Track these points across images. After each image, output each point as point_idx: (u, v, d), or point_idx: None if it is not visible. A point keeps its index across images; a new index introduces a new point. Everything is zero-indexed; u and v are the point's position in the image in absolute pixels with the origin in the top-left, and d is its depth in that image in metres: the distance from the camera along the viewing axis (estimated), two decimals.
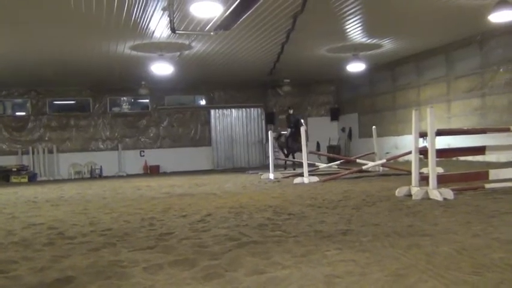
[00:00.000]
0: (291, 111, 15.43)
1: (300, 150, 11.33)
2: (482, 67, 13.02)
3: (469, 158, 12.00)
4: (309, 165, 11.12)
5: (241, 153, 21.02)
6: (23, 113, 18.99)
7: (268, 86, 20.30)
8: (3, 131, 18.38)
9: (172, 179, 13.87)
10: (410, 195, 6.47)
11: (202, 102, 21.08)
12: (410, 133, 6.72)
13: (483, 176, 7.02)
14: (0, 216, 6.72)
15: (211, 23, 10.00)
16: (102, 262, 3.54)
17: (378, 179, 10.25)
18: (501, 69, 12.39)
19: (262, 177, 12.38)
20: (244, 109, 21.07)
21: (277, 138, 15.85)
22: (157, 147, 20.05)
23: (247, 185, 10.29)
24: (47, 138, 18.82)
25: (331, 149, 19.82)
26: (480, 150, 7.56)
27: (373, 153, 12.83)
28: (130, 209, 6.88)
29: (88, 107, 19.45)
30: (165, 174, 18.43)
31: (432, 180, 6.27)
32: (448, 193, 6.14)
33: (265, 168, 14.68)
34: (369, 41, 13.08)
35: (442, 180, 6.52)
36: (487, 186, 6.73)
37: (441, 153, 7.04)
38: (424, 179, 6.53)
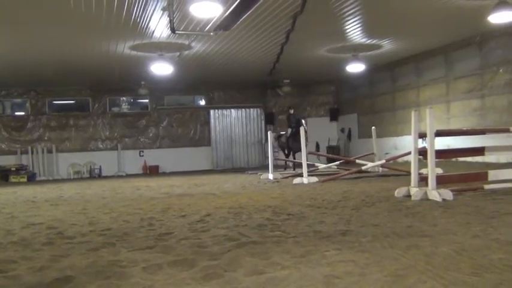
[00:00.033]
0: (292, 111, 15.42)
1: (301, 150, 11.33)
2: (481, 68, 13.02)
3: (469, 158, 12.01)
4: (309, 165, 11.12)
5: (240, 154, 21.01)
6: (23, 113, 18.97)
7: (268, 86, 20.30)
8: (2, 131, 18.37)
9: (172, 179, 13.86)
10: (409, 196, 6.48)
11: (202, 102, 21.08)
12: (410, 134, 6.72)
13: (482, 176, 7.03)
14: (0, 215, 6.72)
15: (211, 23, 10.00)
16: (102, 262, 3.54)
17: (377, 179, 10.25)
18: (501, 70, 12.40)
19: (261, 177, 12.39)
20: (243, 109, 21.07)
21: (277, 138, 15.86)
22: (157, 147, 20.04)
23: (247, 185, 10.29)
24: (46, 138, 18.80)
25: (331, 149, 19.83)
26: (479, 151, 7.57)
27: (373, 153, 12.85)
28: (129, 209, 6.88)
29: (87, 107, 19.43)
30: (164, 174, 18.43)
31: (431, 181, 6.27)
32: (448, 194, 6.14)
33: (265, 168, 14.68)
34: (369, 41, 13.08)
35: (441, 181, 6.52)
36: (487, 187, 6.74)
37: (440, 154, 7.05)
38: (423, 180, 6.54)
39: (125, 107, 20.12)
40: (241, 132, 21.04)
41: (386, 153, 15.09)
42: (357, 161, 12.76)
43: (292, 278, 2.91)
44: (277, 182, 10.98)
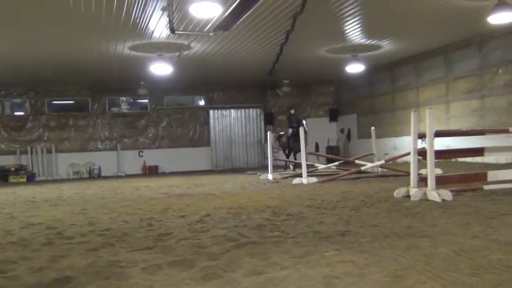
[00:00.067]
0: (293, 111, 15.42)
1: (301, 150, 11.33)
2: (481, 68, 13.03)
3: (468, 159, 12.01)
4: (308, 166, 11.12)
5: (240, 154, 21.02)
6: (22, 113, 18.97)
7: (268, 86, 20.30)
8: (1, 131, 18.36)
9: (171, 180, 13.86)
10: (408, 196, 6.48)
11: (201, 102, 21.08)
12: (409, 134, 6.72)
13: (482, 177, 7.02)
14: None
15: (211, 23, 10.00)
16: (101, 262, 3.54)
17: (376, 180, 10.25)
18: (500, 71, 12.41)
19: (261, 177, 12.38)
20: (243, 110, 21.07)
21: (278, 139, 15.86)
22: (156, 147, 20.04)
23: (246, 186, 10.29)
24: (45, 138, 18.80)
25: (330, 149, 19.83)
26: (479, 151, 7.57)
27: (372, 154, 12.85)
28: (129, 209, 6.88)
29: (87, 107, 19.43)
30: (163, 174, 18.43)
31: (431, 182, 6.27)
32: (447, 194, 6.14)
33: (264, 168, 14.68)
34: (368, 42, 13.09)
35: (440, 182, 6.52)
36: (486, 187, 6.74)
37: (440, 154, 7.05)
38: (422, 180, 6.54)
39: (124, 107, 20.12)
40: (241, 133, 21.04)
41: (386, 154, 15.09)
42: (356, 161, 12.76)
43: (291, 279, 2.91)
44: (277, 182, 10.98)
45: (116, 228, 5.14)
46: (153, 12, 9.37)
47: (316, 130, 19.24)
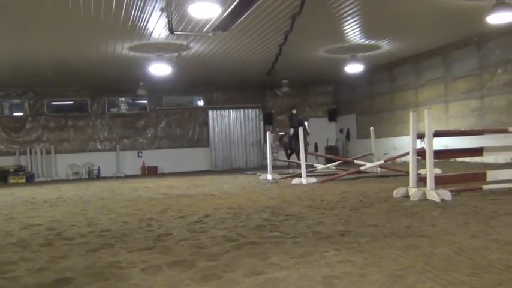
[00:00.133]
0: (294, 112, 15.43)
1: (304, 151, 11.33)
2: (480, 68, 13.04)
3: (467, 159, 12.03)
4: (307, 166, 11.12)
5: (239, 154, 21.01)
6: (21, 114, 18.95)
7: (267, 86, 20.30)
8: (0, 132, 18.34)
9: (170, 180, 13.86)
10: (408, 196, 6.48)
11: (201, 103, 21.07)
12: (408, 134, 6.73)
13: (481, 177, 7.03)
14: None
15: (210, 23, 10.01)
16: (101, 263, 3.54)
17: (375, 180, 10.25)
18: (499, 71, 12.42)
19: (260, 178, 12.39)
20: (242, 110, 21.07)
21: (280, 139, 15.86)
22: (156, 148, 20.03)
23: (245, 186, 10.29)
24: (44, 139, 18.77)
25: (329, 149, 19.84)
26: (478, 151, 7.58)
27: (371, 154, 12.85)
28: (128, 209, 6.88)
29: (86, 108, 19.41)
30: (163, 175, 18.41)
31: (430, 181, 6.28)
32: (446, 194, 6.15)
33: (263, 169, 14.68)
34: (367, 42, 13.10)
35: (439, 181, 6.53)
36: (485, 187, 6.74)
37: (439, 154, 7.05)
38: (421, 180, 6.54)
39: (123, 108, 20.10)
40: (240, 133, 21.04)
41: (385, 154, 15.10)
42: (356, 161, 12.76)
43: (291, 279, 2.91)
44: (276, 182, 10.98)
45: (115, 228, 5.14)
46: (152, 12, 9.37)
47: (315, 130, 19.22)
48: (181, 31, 10.40)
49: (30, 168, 18.17)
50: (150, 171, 19.28)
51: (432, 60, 14.82)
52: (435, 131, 6.46)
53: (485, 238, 3.77)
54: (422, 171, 7.14)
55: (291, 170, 14.85)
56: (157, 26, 10.34)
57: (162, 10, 9.17)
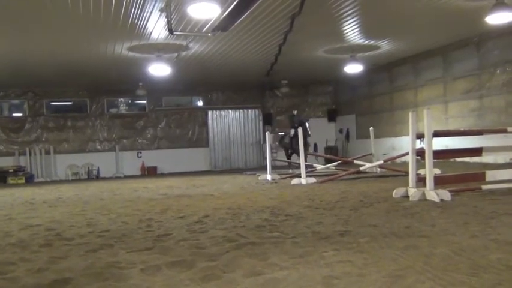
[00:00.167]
0: (295, 112, 15.43)
1: (304, 151, 11.33)
2: (479, 68, 13.05)
3: (466, 159, 12.03)
4: (307, 166, 11.12)
5: (238, 154, 21.01)
6: (20, 114, 18.92)
7: (266, 87, 20.30)
8: (0, 132, 18.34)
9: (170, 180, 13.85)
10: (407, 197, 6.48)
11: (200, 103, 21.07)
12: (408, 134, 6.73)
13: (480, 177, 7.03)
14: None
15: (209, 24, 10.00)
16: (100, 263, 3.54)
17: (375, 180, 10.26)
18: (498, 71, 12.42)
19: (259, 178, 12.38)
20: (241, 110, 21.06)
21: (281, 139, 15.86)
22: (155, 148, 20.03)
23: (245, 186, 10.29)
24: (44, 139, 18.76)
25: (329, 150, 19.84)
26: (477, 151, 7.58)
27: (371, 154, 12.86)
28: (128, 210, 6.87)
29: (85, 108, 19.39)
30: (162, 175, 18.40)
31: (429, 182, 6.28)
32: (445, 194, 6.15)
33: (263, 169, 14.68)
34: (366, 42, 13.10)
35: (439, 182, 6.53)
36: (484, 187, 6.75)
37: (438, 154, 7.06)
38: (421, 180, 6.54)
39: (122, 108, 20.09)
40: (240, 133, 21.04)
41: (385, 154, 15.11)
42: (355, 161, 12.77)
43: (290, 279, 2.91)
44: (275, 182, 10.98)
45: (114, 229, 5.14)
46: (151, 13, 9.37)
47: (315, 130, 19.20)
48: (180, 31, 10.40)
49: (29, 169, 18.16)
50: (150, 172, 19.28)
51: (431, 60, 14.82)
52: (434, 131, 6.47)
53: (484, 238, 3.77)
54: (421, 172, 7.14)
55: (290, 170, 14.86)
56: (156, 27, 10.34)
57: (161, 10, 9.16)
